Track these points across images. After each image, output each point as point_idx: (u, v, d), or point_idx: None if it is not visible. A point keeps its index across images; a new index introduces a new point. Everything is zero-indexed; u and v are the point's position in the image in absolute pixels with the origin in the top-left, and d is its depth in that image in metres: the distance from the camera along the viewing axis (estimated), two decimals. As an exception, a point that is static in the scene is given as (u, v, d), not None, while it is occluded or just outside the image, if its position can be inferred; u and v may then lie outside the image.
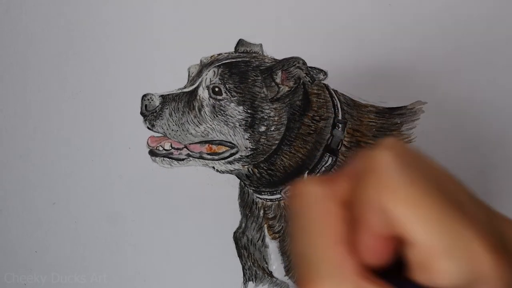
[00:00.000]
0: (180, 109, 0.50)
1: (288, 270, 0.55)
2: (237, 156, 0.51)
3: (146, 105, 0.50)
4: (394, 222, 0.21)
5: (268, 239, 0.55)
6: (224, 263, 0.56)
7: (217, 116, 0.49)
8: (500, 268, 0.20)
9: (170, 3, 0.57)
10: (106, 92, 0.57)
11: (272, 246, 0.55)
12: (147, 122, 0.50)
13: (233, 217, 0.56)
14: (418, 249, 0.21)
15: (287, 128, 0.50)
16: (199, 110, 0.50)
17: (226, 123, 0.49)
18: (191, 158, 0.52)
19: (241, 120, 0.49)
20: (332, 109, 0.52)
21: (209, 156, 0.51)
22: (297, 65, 0.50)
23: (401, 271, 0.22)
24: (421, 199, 0.21)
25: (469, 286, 0.21)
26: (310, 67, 0.51)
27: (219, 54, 0.53)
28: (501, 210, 0.24)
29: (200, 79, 0.50)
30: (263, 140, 0.50)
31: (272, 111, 0.49)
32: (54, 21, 0.58)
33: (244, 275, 0.56)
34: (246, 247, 0.56)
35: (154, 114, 0.50)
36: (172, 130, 0.50)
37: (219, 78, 0.49)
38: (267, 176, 0.52)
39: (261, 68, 0.50)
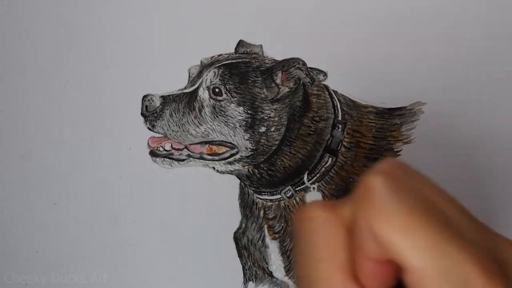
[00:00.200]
0: (180, 110, 0.50)
1: (288, 270, 0.55)
2: (237, 156, 0.51)
3: (146, 106, 0.50)
4: (388, 248, 0.21)
5: (268, 239, 0.55)
6: (224, 263, 0.56)
7: (217, 116, 0.50)
8: None
9: (171, 4, 0.57)
10: (106, 93, 0.57)
11: (272, 246, 0.55)
12: (147, 122, 0.51)
13: (233, 218, 0.56)
14: (413, 274, 0.21)
15: (287, 129, 0.50)
16: (200, 111, 0.50)
17: (226, 123, 0.49)
18: (191, 159, 0.52)
19: (241, 121, 0.49)
20: (332, 109, 0.52)
21: (209, 157, 0.51)
22: (297, 66, 0.50)
23: None
24: (414, 224, 0.21)
25: None
26: (310, 68, 0.51)
27: (219, 55, 0.53)
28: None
29: (200, 80, 0.51)
30: (263, 140, 0.50)
31: (272, 111, 0.50)
32: (55, 22, 0.58)
33: (244, 275, 0.56)
34: (246, 247, 0.56)
35: (155, 114, 0.50)
36: (173, 130, 0.50)
37: (219, 79, 0.50)
38: (267, 177, 0.52)
39: (261, 69, 0.50)
